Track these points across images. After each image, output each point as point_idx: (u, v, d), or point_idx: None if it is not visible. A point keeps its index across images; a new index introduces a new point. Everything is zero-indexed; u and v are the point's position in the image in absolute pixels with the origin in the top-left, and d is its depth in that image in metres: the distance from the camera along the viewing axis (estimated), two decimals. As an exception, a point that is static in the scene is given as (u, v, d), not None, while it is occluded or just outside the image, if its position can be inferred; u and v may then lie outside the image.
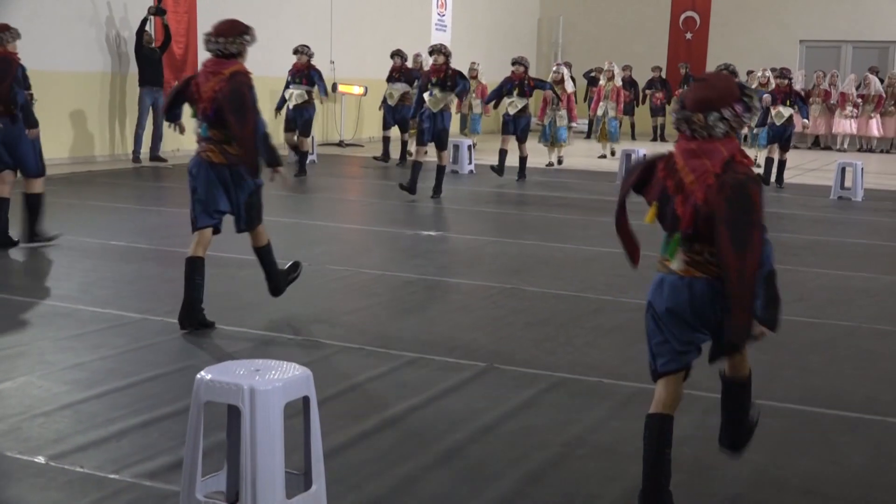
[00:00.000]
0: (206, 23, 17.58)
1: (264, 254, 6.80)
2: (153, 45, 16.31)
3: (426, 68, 19.64)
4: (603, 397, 5.37)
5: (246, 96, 6.18)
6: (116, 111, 16.35)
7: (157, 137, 16.29)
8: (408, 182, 12.92)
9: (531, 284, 8.09)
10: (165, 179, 14.83)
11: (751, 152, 16.24)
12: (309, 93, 15.18)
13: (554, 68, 17.78)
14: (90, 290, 7.49)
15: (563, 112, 17.33)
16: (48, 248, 8.98)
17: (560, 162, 18.08)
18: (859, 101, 23.33)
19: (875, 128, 23.30)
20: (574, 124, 17.95)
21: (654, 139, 24.94)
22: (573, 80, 22.26)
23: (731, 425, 4.26)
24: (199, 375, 3.56)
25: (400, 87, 17.39)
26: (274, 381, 3.50)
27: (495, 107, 16.75)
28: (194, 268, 6.36)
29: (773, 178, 15.76)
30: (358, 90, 20.74)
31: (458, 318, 7.12)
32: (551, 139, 17.70)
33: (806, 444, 4.81)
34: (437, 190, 13.10)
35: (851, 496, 4.25)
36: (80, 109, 15.74)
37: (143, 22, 15.92)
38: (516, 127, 15.59)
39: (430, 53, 13.12)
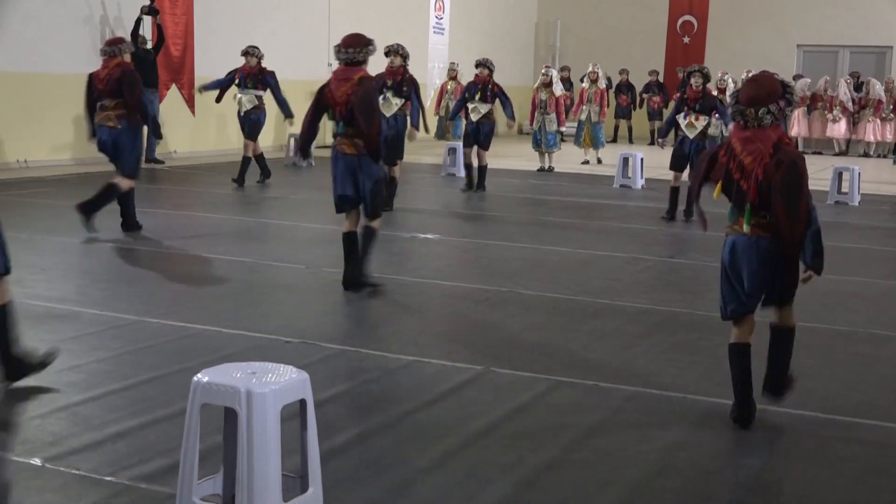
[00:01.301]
0: (202, 24, 17.73)
1: (366, 235, 7.74)
2: (147, 46, 16.30)
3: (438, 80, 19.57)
4: (599, 401, 5.37)
5: (373, 100, 7.49)
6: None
7: (153, 139, 16.28)
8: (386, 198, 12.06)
9: (527, 288, 8.09)
10: (162, 181, 14.83)
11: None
12: (259, 98, 14.04)
13: (543, 71, 17.73)
14: (87, 292, 7.49)
15: (553, 116, 17.29)
16: (45, 250, 8.98)
17: (551, 170, 17.91)
18: (850, 105, 23.33)
19: (871, 132, 23.32)
20: (563, 129, 17.90)
21: (652, 143, 24.96)
22: (571, 83, 22.25)
23: (776, 374, 5.12)
24: (195, 378, 3.56)
25: None
26: (271, 383, 3.50)
27: (465, 116, 15.07)
28: (351, 241, 7.71)
29: None
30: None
31: (455, 321, 7.12)
32: (542, 145, 17.70)
33: (802, 449, 4.82)
34: (388, 203, 11.68)
35: (848, 501, 4.25)
36: (75, 111, 15.71)
37: (137, 23, 15.92)
38: (479, 134, 14.47)
39: (387, 54, 11.86)
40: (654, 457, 4.59)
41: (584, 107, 19.09)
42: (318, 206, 12.20)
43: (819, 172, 18.51)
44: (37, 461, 4.31)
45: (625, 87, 24.91)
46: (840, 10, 25.96)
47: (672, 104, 15.41)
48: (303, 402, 3.63)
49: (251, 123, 14.06)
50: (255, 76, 13.98)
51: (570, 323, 7.08)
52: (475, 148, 14.55)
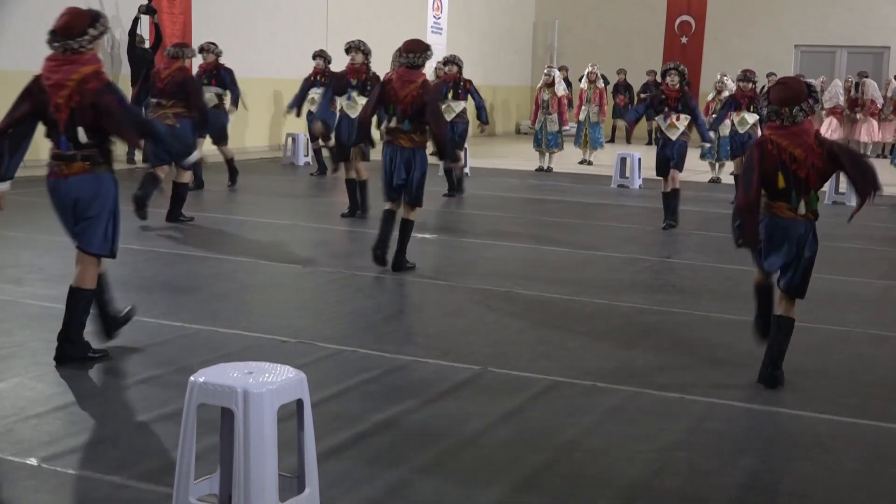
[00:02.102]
0: (200, 24, 17.71)
1: (404, 228, 8.59)
2: (145, 45, 16.29)
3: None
4: (597, 401, 5.36)
5: (436, 102, 8.44)
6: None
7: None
8: (348, 208, 11.50)
9: (525, 288, 8.08)
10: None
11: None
12: (220, 96, 13.32)
13: (546, 71, 17.72)
14: (84, 292, 7.46)
15: (554, 116, 17.29)
16: (43, 249, 8.97)
17: (549, 170, 17.90)
18: (842, 106, 23.33)
19: (864, 133, 23.33)
20: (566, 128, 17.90)
21: (650, 143, 24.93)
22: (569, 83, 22.23)
23: (772, 362, 5.70)
24: (192, 378, 3.55)
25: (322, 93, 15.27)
26: (267, 383, 3.49)
27: None
28: (389, 218, 8.51)
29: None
30: (354, 93, 20.70)
31: (453, 321, 7.11)
32: (543, 145, 17.71)
33: (800, 449, 4.81)
34: (363, 207, 11.52)
35: (845, 502, 4.25)
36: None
37: (135, 22, 15.90)
38: (453, 134, 13.44)
39: (347, 51, 11.30)
40: (652, 457, 4.59)
41: (584, 107, 19.07)
42: (315, 205, 12.21)
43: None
44: (33, 461, 4.30)
45: (622, 87, 24.92)
46: (838, 10, 25.97)
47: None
48: (300, 402, 3.62)
49: (216, 127, 13.10)
50: (212, 73, 13.33)
51: (568, 323, 7.07)
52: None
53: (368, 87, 10.93)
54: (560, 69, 22.31)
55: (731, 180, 17.29)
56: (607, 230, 11.21)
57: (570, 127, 19.18)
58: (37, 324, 6.54)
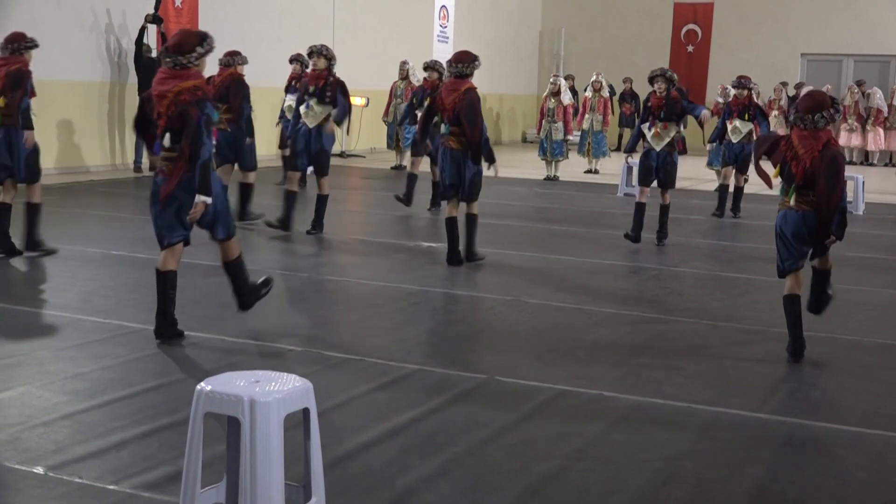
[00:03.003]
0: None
1: (469, 222, 9.32)
2: (152, 54, 16.33)
3: (413, 79, 19.32)
4: (603, 410, 5.35)
5: (477, 108, 8.92)
6: (116, 121, 16.36)
7: (140, 145, 16.30)
8: (280, 216, 10.76)
9: (532, 296, 8.08)
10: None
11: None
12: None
13: (551, 79, 17.72)
14: (91, 300, 7.48)
15: (560, 124, 17.30)
16: (48, 258, 8.97)
17: (556, 178, 17.90)
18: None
19: (872, 141, 23.32)
20: (570, 137, 17.90)
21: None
22: (575, 91, 22.22)
23: (817, 300, 6.76)
24: (199, 386, 3.55)
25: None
26: (274, 392, 3.48)
27: (411, 122, 14.03)
28: (453, 225, 9.20)
29: (729, 205, 13.63)
30: (360, 101, 20.71)
31: (459, 329, 7.11)
32: (548, 153, 17.72)
33: (806, 458, 4.80)
34: (318, 225, 10.87)
35: (853, 511, 4.24)
36: (80, 119, 15.76)
37: (141, 31, 15.94)
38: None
39: (309, 55, 10.84)
40: (658, 466, 4.58)
41: (587, 115, 19.01)
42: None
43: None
44: (39, 470, 4.30)
45: (629, 96, 24.91)
46: (844, 19, 25.96)
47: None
48: (306, 411, 3.62)
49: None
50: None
51: (575, 332, 7.07)
52: (423, 159, 13.17)
53: (327, 94, 10.51)
54: (567, 78, 22.29)
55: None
56: (614, 239, 11.19)
57: (575, 135, 19.16)
58: (44, 332, 6.55)
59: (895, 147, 23.48)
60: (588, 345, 6.71)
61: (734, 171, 13.52)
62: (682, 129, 10.84)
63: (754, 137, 12.97)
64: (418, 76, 19.14)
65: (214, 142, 6.41)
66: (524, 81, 28.94)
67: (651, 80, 10.72)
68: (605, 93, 19.42)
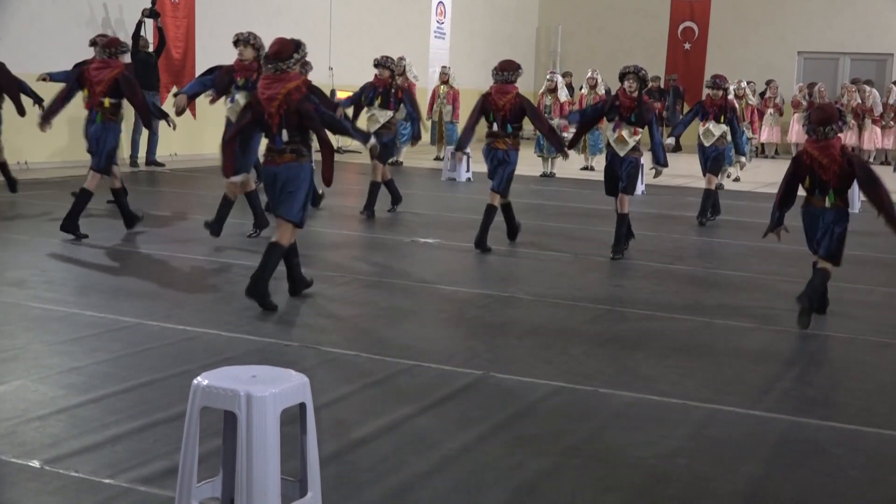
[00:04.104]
0: (204, 27, 17.73)
1: (505, 211, 10.40)
2: (149, 49, 16.32)
3: (409, 76, 19.29)
4: (599, 406, 5.36)
5: (537, 109, 10.30)
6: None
7: (153, 142, 16.29)
8: (213, 219, 9.81)
9: (528, 293, 8.09)
10: (162, 184, 14.83)
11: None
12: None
13: (548, 76, 17.71)
14: (86, 294, 7.48)
15: (557, 121, 17.30)
16: (46, 252, 8.98)
17: (552, 175, 17.92)
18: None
19: (867, 140, 23.35)
20: (566, 135, 17.88)
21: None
22: (572, 88, 22.22)
23: (810, 292, 7.25)
24: (195, 381, 3.56)
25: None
26: (271, 387, 3.49)
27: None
28: (490, 212, 9.97)
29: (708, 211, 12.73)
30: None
31: (455, 325, 7.12)
32: (544, 150, 17.72)
33: (801, 456, 4.81)
34: (260, 224, 10.18)
35: (846, 508, 4.25)
36: (76, 114, 15.70)
37: (138, 26, 15.93)
38: (392, 145, 12.42)
39: (235, 44, 9.91)
40: (653, 463, 4.59)
41: None
42: (319, 209, 12.20)
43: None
44: (35, 463, 4.31)
45: (625, 94, 24.88)
46: (841, 17, 25.97)
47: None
48: (302, 406, 3.63)
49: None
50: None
51: (570, 328, 7.08)
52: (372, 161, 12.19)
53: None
54: (564, 75, 22.29)
55: (734, 186, 17.32)
56: (609, 236, 11.18)
57: (572, 132, 19.12)
58: (39, 326, 6.55)
59: (890, 145, 23.51)
60: (583, 342, 6.72)
61: (708, 173, 12.53)
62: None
63: (728, 140, 12.50)
64: (415, 73, 19.15)
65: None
66: (521, 78, 28.83)
67: (621, 78, 9.76)
68: (601, 90, 19.38)
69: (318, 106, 7.06)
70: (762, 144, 24.00)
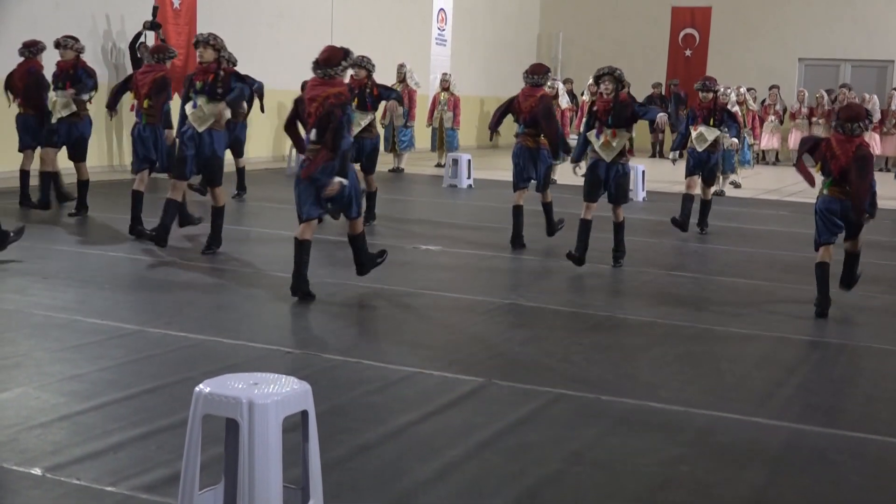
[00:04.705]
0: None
1: (546, 211, 11.08)
2: (150, 56, 16.34)
3: (410, 82, 19.30)
4: (601, 413, 5.36)
5: (552, 110, 10.30)
6: (113, 122, 16.34)
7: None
8: (156, 228, 9.43)
9: (529, 300, 8.08)
10: (163, 190, 14.79)
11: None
12: (78, 102, 11.33)
13: (549, 83, 17.71)
14: (88, 301, 7.48)
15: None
16: (45, 258, 8.98)
17: (553, 182, 17.88)
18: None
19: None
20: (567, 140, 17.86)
21: (653, 155, 24.98)
22: (574, 95, 22.23)
23: (848, 278, 8.33)
24: (197, 388, 3.56)
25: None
26: (273, 394, 3.49)
27: None
28: (519, 213, 10.68)
29: (700, 219, 12.34)
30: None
31: (457, 333, 7.11)
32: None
33: (804, 463, 4.80)
34: (214, 242, 9.54)
35: (849, 516, 4.25)
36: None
37: (136, 37, 15.99)
38: (360, 152, 11.45)
39: (195, 45, 9.39)
40: (655, 470, 4.58)
41: (585, 118, 18.90)
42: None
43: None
44: (37, 471, 4.30)
45: (626, 100, 24.89)
46: (842, 24, 25.99)
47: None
48: (304, 414, 3.62)
49: (73, 139, 11.43)
50: (69, 74, 11.28)
51: (572, 335, 7.08)
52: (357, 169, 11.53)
53: (218, 91, 9.13)
54: (565, 82, 22.32)
55: (735, 192, 17.34)
56: (611, 242, 11.18)
57: (573, 139, 19.14)
58: (41, 333, 6.55)
59: (890, 152, 23.52)
60: (585, 348, 6.71)
61: (700, 181, 12.08)
62: (632, 133, 9.62)
63: (725, 146, 12.33)
64: (415, 79, 19.18)
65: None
66: (521, 84, 28.89)
67: (597, 80, 9.57)
68: (605, 96, 19.33)
69: (342, 119, 7.42)
70: (763, 151, 24.02)
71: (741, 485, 4.47)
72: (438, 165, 19.68)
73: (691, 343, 6.98)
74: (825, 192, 7.81)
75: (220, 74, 9.17)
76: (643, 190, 15.96)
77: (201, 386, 3.56)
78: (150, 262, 9.14)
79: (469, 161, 17.12)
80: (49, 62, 11.78)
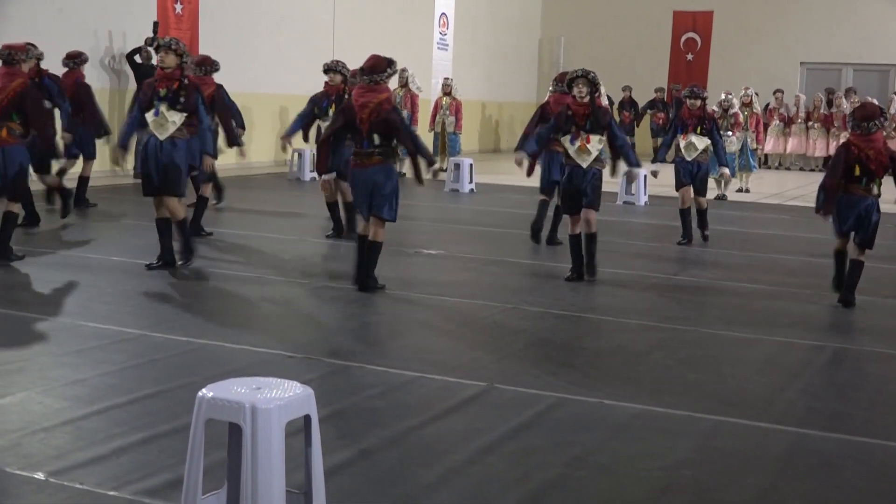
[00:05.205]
0: (207, 40, 17.76)
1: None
2: (152, 61, 16.37)
3: (412, 87, 19.31)
4: (603, 418, 5.35)
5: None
6: (115, 127, 16.32)
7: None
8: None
9: (532, 304, 8.08)
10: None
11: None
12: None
13: (551, 87, 17.70)
14: (91, 306, 7.49)
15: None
16: (48, 263, 8.98)
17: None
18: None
19: None
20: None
21: (655, 160, 24.89)
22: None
23: (849, 289, 8.37)
24: (200, 393, 3.56)
25: None
26: (275, 399, 3.49)
27: (304, 138, 11.85)
28: (543, 206, 11.18)
29: (696, 232, 11.96)
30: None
31: (459, 337, 7.11)
32: None
33: (807, 468, 4.80)
34: (188, 254, 9.13)
35: (853, 520, 4.24)
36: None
37: (135, 50, 16.04)
38: (339, 160, 10.32)
39: (156, 50, 9.04)
40: (658, 475, 4.58)
41: None
42: (321, 221, 12.19)
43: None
44: (40, 475, 4.30)
45: (628, 104, 24.94)
46: (844, 28, 26.01)
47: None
48: (307, 418, 3.62)
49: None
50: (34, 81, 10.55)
51: (575, 339, 7.07)
52: (335, 179, 10.93)
53: (181, 99, 8.75)
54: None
55: (738, 197, 17.33)
56: (613, 247, 11.19)
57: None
58: (44, 338, 6.55)
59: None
60: (588, 353, 6.71)
61: (692, 192, 11.69)
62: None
63: (711, 154, 11.73)
64: (417, 83, 19.18)
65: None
66: (523, 89, 28.96)
67: (569, 85, 9.09)
68: (605, 100, 19.38)
69: (402, 119, 8.01)
70: (766, 155, 24.02)
71: (744, 490, 4.46)
72: (441, 170, 19.69)
73: (693, 347, 6.97)
74: (861, 189, 8.08)
75: (185, 83, 8.83)
76: (645, 194, 15.96)
77: (204, 390, 3.56)
78: (151, 266, 9.13)
79: (471, 165, 17.14)
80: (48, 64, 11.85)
